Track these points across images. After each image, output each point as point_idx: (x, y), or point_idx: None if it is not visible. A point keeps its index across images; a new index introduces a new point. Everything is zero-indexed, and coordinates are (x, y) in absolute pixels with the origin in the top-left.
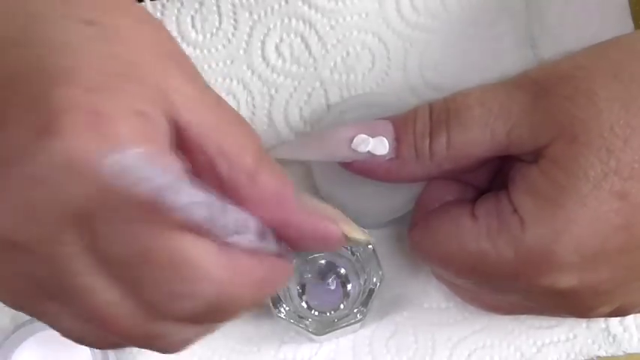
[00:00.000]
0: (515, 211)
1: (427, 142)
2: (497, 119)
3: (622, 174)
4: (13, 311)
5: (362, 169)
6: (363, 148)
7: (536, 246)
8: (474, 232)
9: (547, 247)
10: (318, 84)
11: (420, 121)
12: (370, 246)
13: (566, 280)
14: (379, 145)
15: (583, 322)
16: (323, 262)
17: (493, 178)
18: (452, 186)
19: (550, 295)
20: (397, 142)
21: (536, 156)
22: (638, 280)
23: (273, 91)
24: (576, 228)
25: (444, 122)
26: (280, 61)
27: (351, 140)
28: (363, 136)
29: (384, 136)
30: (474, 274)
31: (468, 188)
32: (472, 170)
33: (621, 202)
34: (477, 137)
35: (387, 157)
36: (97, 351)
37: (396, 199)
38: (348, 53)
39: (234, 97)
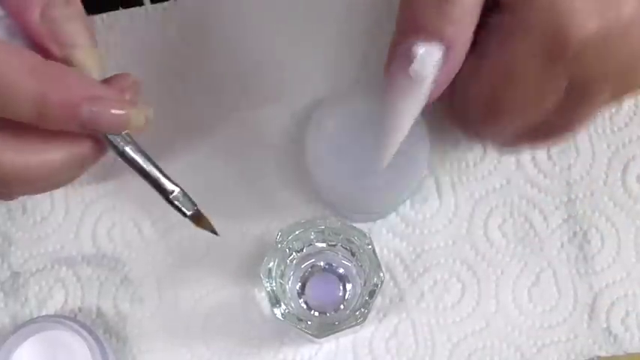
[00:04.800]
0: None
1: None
2: None
3: None
4: (13, 311)
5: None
6: (427, 62)
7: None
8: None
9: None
10: None
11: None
12: (370, 246)
13: (588, 25)
14: (431, 52)
15: (584, 322)
16: (322, 262)
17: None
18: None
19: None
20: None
21: None
22: None
23: None
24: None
25: None
26: None
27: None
28: (417, 52)
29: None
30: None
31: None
32: None
33: None
34: None
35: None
36: (97, 351)
37: (392, 193)
38: None
39: None
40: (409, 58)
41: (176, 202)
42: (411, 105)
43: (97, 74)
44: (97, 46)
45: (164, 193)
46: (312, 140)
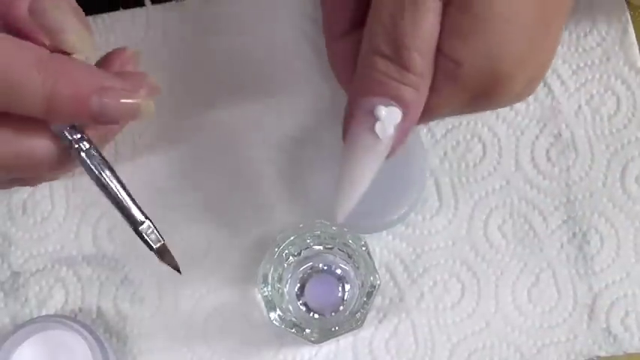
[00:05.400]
0: (446, 56)
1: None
2: None
3: None
4: (13, 311)
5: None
6: (389, 123)
7: (482, 75)
8: None
9: (493, 71)
10: None
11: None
12: (364, 248)
13: (520, 85)
14: (392, 113)
15: (584, 323)
16: (321, 264)
17: None
18: None
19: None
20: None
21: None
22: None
23: None
24: (509, 43)
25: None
26: None
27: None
28: (381, 114)
29: (378, 104)
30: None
31: None
32: None
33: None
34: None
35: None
36: (97, 351)
37: (389, 216)
38: None
39: None
40: (372, 118)
41: (144, 235)
42: (372, 162)
43: (92, 57)
44: (89, 28)
45: (133, 223)
46: (306, 160)
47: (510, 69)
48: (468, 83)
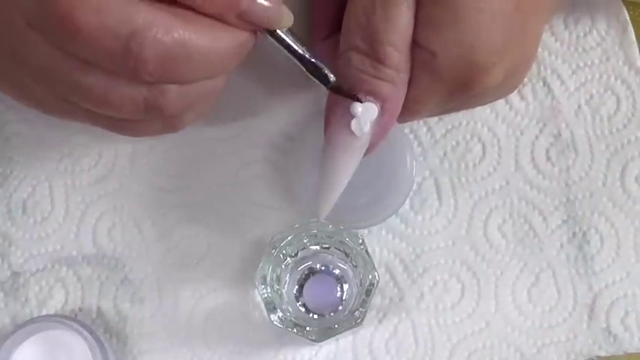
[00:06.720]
0: (421, 47)
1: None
2: None
3: None
4: (13, 311)
5: (382, 136)
6: (365, 119)
7: (458, 65)
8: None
9: (468, 61)
10: None
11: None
12: (362, 246)
13: (497, 77)
14: (369, 109)
15: (584, 323)
16: (319, 264)
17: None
18: None
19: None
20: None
21: None
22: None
23: None
24: (483, 33)
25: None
26: None
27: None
28: (357, 111)
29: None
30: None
31: None
32: None
33: None
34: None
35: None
36: (97, 351)
37: (378, 211)
38: None
39: None
40: (349, 116)
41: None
42: (349, 159)
43: None
44: None
45: (324, 79)
46: (296, 160)
47: (485, 59)
48: (445, 74)
